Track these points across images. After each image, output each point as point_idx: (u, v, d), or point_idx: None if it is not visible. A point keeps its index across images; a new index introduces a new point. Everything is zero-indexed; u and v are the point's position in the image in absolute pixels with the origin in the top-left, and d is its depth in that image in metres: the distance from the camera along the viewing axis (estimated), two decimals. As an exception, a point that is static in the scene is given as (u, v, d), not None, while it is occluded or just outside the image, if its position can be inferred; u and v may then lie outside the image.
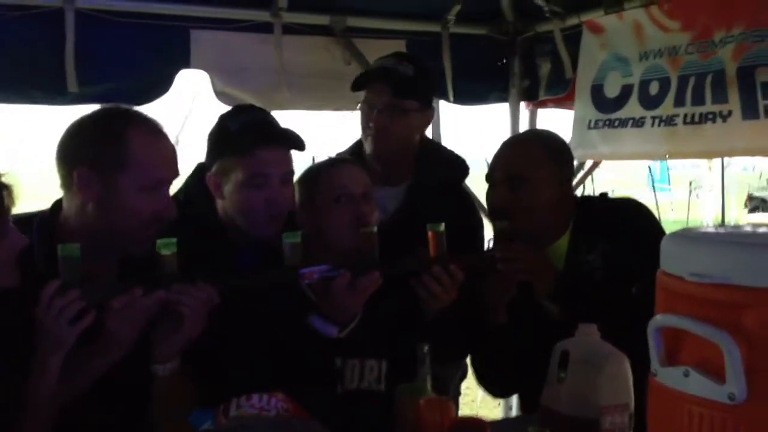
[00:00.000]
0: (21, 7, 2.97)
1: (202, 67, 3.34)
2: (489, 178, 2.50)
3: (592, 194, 2.75)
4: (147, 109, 3.20)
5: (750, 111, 2.82)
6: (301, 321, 2.12)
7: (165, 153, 1.97)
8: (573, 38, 3.61)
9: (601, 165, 4.37)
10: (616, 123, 3.34)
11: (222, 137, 2.27)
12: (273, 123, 2.29)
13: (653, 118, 3.19)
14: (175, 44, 3.25)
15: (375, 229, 2.18)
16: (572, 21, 3.60)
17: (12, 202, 1.70)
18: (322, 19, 3.51)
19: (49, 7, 3.01)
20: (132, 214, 1.89)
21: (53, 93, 3.07)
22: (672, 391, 1.23)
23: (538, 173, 2.40)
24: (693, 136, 3.02)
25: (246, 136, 2.21)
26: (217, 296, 1.89)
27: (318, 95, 3.62)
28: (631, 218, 2.48)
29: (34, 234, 1.90)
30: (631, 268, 2.23)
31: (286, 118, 3.02)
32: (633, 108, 3.27)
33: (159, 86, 3.23)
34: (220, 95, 3.42)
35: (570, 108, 3.99)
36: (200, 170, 2.35)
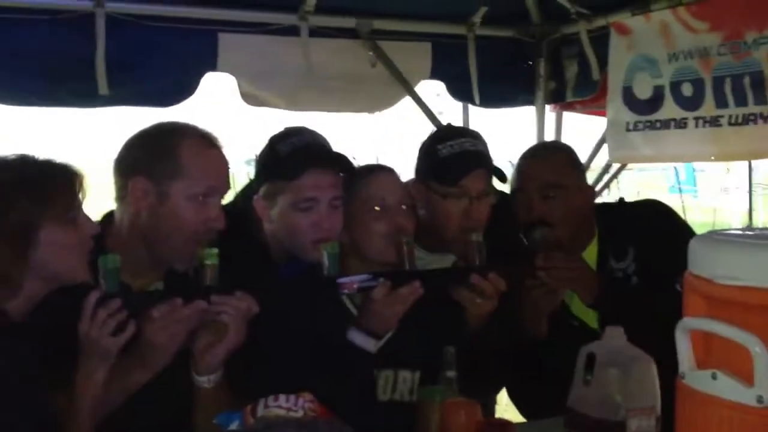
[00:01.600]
0: (53, 11, 3.01)
1: (229, 70, 3.36)
2: (520, 190, 2.48)
3: (608, 201, 2.76)
4: (174, 111, 3.30)
5: None
6: (341, 334, 2.11)
7: (216, 163, 1.99)
8: (600, 40, 3.59)
9: (626, 167, 4.36)
10: (658, 125, 3.31)
11: (270, 160, 2.24)
12: (323, 146, 2.25)
13: (696, 119, 3.16)
14: (203, 47, 3.28)
15: (412, 239, 2.17)
16: (599, 22, 3.58)
17: (83, 190, 1.77)
18: (349, 22, 3.51)
19: (81, 11, 3.04)
20: (182, 223, 1.92)
21: (84, 96, 3.11)
22: (700, 394, 1.23)
23: (569, 180, 2.42)
24: (738, 137, 3.02)
25: (295, 159, 2.17)
26: (257, 306, 1.89)
27: (343, 97, 3.64)
28: (658, 220, 2.48)
29: None
30: (665, 269, 2.21)
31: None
32: (670, 109, 3.25)
33: (185, 89, 3.26)
34: (246, 97, 3.45)
35: (595, 112, 3.98)
36: (249, 188, 2.34)
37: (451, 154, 2.37)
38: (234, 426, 1.80)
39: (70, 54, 3.06)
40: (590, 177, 4.06)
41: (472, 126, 3.67)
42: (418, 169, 2.46)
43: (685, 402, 1.28)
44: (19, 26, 2.96)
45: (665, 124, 3.28)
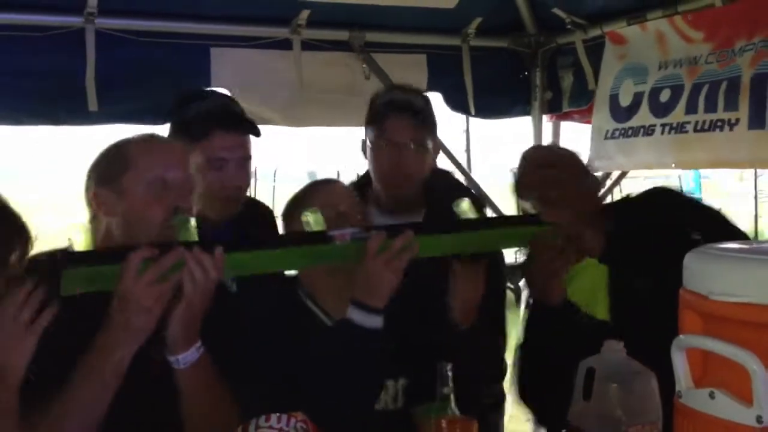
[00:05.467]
0: (43, 28, 3.00)
1: (223, 84, 3.34)
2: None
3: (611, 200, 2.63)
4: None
5: (757, 120, 2.72)
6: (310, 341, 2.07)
7: (164, 152, 1.95)
8: (595, 50, 3.57)
9: (629, 174, 4.34)
10: (630, 132, 3.28)
11: (177, 123, 2.40)
12: (229, 109, 2.42)
13: (663, 125, 3.11)
14: (195, 63, 3.27)
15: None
16: (594, 32, 3.57)
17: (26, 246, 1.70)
18: (341, 35, 3.50)
19: (70, 28, 3.03)
20: (147, 214, 1.87)
21: (75, 113, 3.10)
22: (698, 414, 1.19)
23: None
24: (702, 144, 2.93)
25: (203, 121, 2.31)
26: (214, 272, 1.79)
27: (338, 110, 3.61)
28: (659, 207, 2.31)
29: None
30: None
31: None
32: (644, 116, 3.21)
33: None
34: None
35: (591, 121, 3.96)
36: None
37: (382, 103, 2.46)
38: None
39: (61, 71, 3.05)
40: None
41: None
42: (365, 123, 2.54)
43: (683, 422, 1.25)
44: (8, 43, 2.96)
45: (636, 132, 3.25)
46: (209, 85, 3.30)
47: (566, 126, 4.22)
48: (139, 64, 3.16)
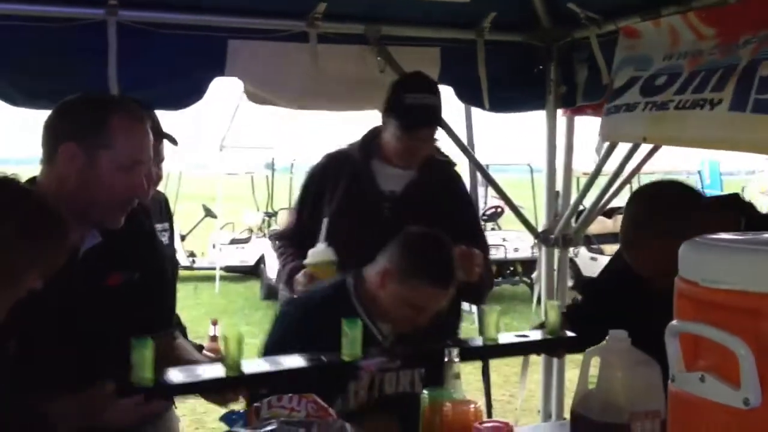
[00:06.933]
0: (66, 19, 3.08)
1: (237, 74, 3.41)
2: None
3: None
4: (188, 113, 3.37)
5: (739, 103, 2.68)
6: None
7: (142, 138, 2.10)
8: (610, 44, 3.57)
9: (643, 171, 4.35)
10: (613, 109, 3.31)
11: None
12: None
13: (647, 103, 3.11)
14: (211, 53, 3.33)
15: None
16: (609, 27, 3.58)
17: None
18: (357, 28, 3.54)
19: (93, 20, 3.11)
20: (109, 190, 2.03)
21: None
22: (689, 396, 1.24)
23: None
24: (678, 121, 2.89)
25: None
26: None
27: (350, 101, 3.69)
28: None
29: None
30: None
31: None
32: (633, 95, 3.21)
33: (194, 93, 3.33)
34: (251, 95, 3.51)
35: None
36: None
37: (414, 105, 2.97)
38: (238, 426, 1.84)
39: (84, 60, 3.12)
40: (601, 181, 4.08)
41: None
42: (387, 102, 3.06)
43: (675, 404, 1.29)
44: (34, 34, 3.03)
45: (618, 108, 3.27)
46: (223, 75, 3.38)
47: (580, 120, 4.26)
48: (158, 54, 3.23)
